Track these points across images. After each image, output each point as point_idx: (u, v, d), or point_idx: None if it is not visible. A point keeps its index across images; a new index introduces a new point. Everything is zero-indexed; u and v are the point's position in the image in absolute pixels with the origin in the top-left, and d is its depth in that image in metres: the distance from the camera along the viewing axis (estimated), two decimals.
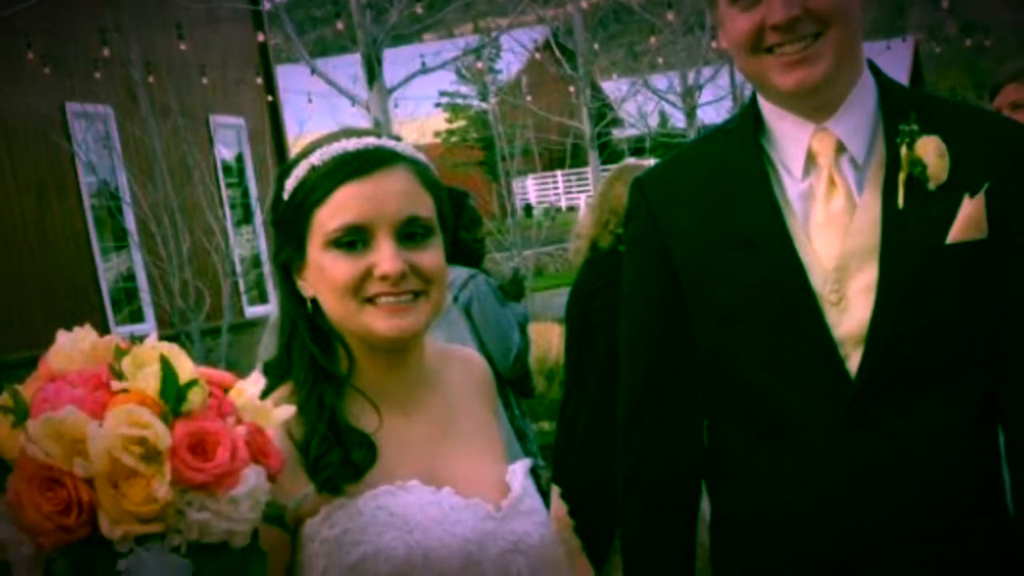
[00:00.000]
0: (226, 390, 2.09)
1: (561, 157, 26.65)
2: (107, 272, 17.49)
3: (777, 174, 2.75)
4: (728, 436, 2.83)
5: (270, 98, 21.03)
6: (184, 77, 16.93)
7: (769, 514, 2.75)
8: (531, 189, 41.87)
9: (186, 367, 2.02)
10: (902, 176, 2.66)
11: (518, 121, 23.50)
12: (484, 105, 33.45)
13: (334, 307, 2.49)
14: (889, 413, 2.65)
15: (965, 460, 2.70)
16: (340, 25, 18.83)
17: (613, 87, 28.38)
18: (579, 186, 40.02)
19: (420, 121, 31.95)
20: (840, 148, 2.71)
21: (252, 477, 2.01)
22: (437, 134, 41.70)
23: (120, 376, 2.00)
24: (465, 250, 6.78)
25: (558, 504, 6.08)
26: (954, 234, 2.64)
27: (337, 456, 2.41)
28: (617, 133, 30.13)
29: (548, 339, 14.75)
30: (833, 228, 2.70)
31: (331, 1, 25.48)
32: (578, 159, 25.08)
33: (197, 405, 2.00)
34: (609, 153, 25.86)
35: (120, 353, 2.02)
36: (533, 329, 10.87)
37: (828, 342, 2.66)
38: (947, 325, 2.66)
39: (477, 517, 2.48)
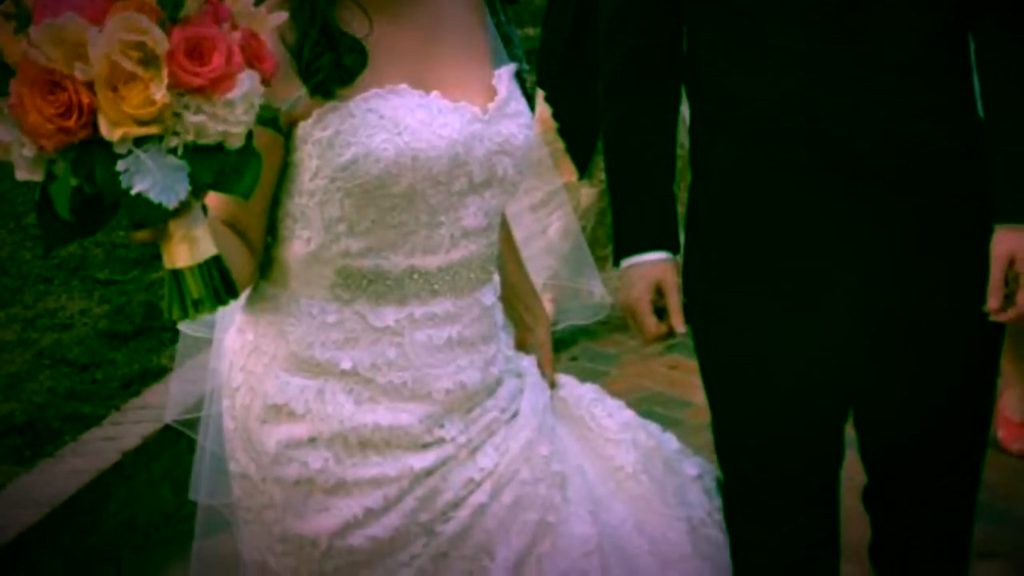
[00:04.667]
0: None
1: None
2: None
3: None
4: (708, 45, 2.86)
5: None
6: None
7: (747, 120, 2.80)
8: None
9: None
10: None
11: None
12: None
13: None
14: (866, 22, 2.68)
15: (939, 65, 2.75)
16: None
17: None
18: None
19: None
20: None
21: (247, 81, 2.03)
22: None
23: None
24: None
25: (543, 107, 6.12)
26: None
27: (329, 60, 2.44)
28: None
29: None
30: None
31: None
32: None
33: (193, 11, 2.00)
34: None
35: None
36: None
37: None
38: None
39: (464, 119, 2.53)
